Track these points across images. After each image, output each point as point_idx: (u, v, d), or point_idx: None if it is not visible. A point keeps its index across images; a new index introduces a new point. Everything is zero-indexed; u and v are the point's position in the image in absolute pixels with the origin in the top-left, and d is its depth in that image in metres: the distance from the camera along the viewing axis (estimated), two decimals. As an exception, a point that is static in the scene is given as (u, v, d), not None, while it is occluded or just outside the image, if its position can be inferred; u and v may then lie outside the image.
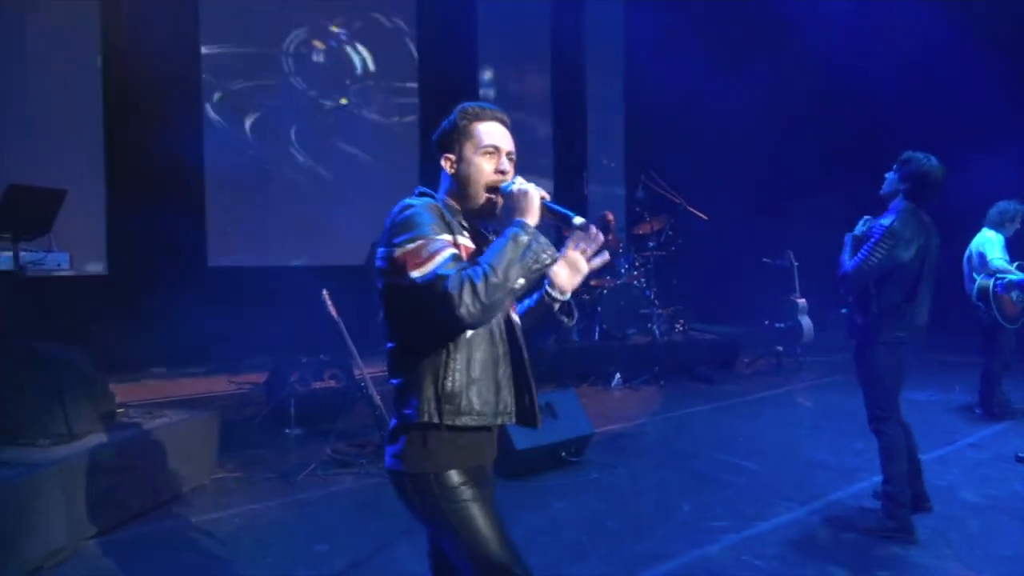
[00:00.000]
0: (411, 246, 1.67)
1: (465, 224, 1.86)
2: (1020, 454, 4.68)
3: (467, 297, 1.58)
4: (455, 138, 1.86)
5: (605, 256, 1.93)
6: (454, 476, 1.77)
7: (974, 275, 5.82)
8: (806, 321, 8.32)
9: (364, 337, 5.50)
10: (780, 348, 8.39)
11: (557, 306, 1.96)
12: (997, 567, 3.18)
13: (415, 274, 1.65)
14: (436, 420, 1.74)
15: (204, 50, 8.03)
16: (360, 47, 9.23)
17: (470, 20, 10.11)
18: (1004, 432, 5.40)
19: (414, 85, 9.71)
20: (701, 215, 8.33)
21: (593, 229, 1.85)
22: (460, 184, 1.86)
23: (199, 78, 8.00)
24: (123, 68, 7.35)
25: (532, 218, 1.74)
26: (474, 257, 1.75)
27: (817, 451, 5.05)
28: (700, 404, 6.62)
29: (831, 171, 9.59)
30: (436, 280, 1.61)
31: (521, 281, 1.65)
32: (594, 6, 11.65)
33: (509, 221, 1.74)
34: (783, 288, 8.53)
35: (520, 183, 1.80)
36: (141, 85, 7.34)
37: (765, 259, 8.55)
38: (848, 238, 3.64)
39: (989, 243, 5.76)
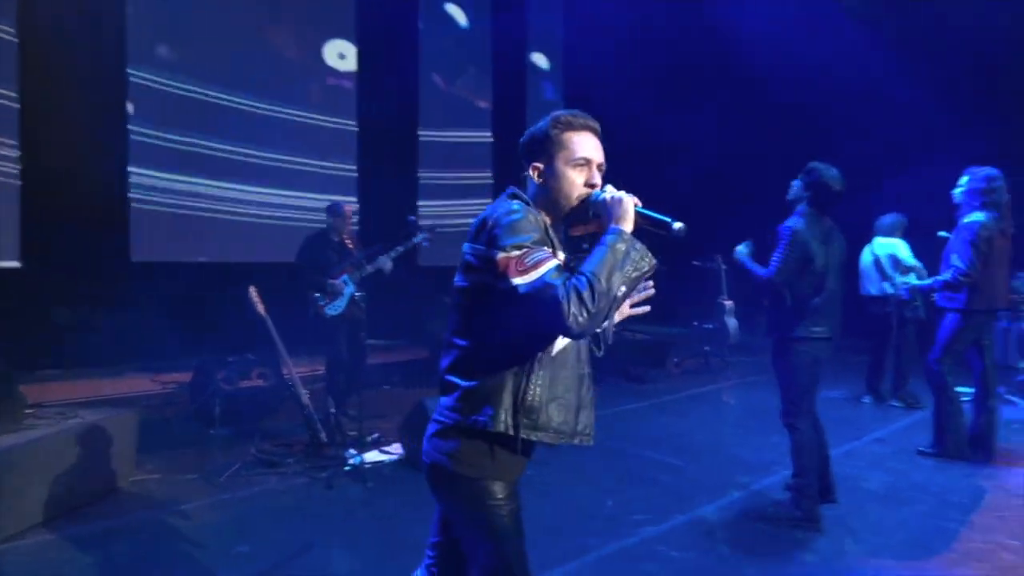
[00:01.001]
0: (516, 253, 1.64)
1: (557, 235, 1.84)
2: (920, 448, 4.98)
3: (574, 307, 1.56)
4: (545, 147, 1.82)
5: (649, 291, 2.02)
6: (500, 488, 1.78)
7: (893, 277, 6.34)
8: (732, 322, 8.63)
9: (292, 335, 5.45)
10: (708, 348, 8.67)
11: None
12: (893, 551, 3.39)
13: (519, 281, 1.62)
14: (511, 432, 1.74)
15: (129, 42, 7.75)
16: (296, 47, 9.07)
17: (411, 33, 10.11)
18: (908, 428, 5.73)
19: (350, 85, 9.61)
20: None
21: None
22: (548, 194, 1.82)
23: (124, 71, 7.70)
24: (40, 49, 7.01)
25: (628, 225, 1.72)
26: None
27: (738, 447, 5.25)
28: (632, 403, 6.78)
29: (759, 179, 9.94)
30: (544, 288, 1.59)
31: (623, 288, 1.64)
32: (535, 16, 11.77)
33: (602, 229, 1.73)
34: (712, 290, 8.82)
35: (611, 191, 1.78)
36: (60, 72, 7.02)
37: (695, 262, 8.81)
38: (744, 258, 3.90)
39: (892, 247, 6.38)
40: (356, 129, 9.60)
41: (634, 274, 1.66)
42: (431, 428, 1.86)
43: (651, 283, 2.02)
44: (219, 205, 8.41)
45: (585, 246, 1.84)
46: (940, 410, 4.89)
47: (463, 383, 1.78)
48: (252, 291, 4.95)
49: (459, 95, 10.93)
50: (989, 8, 8.51)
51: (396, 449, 4.94)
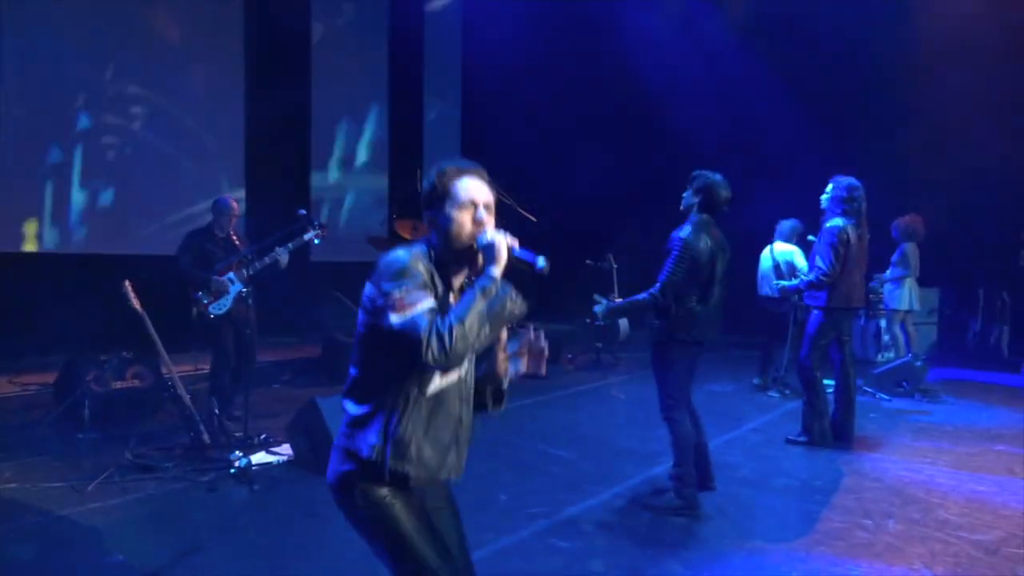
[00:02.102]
0: (397, 294, 1.79)
1: (452, 282, 1.97)
2: (789, 436, 5.37)
3: (434, 343, 1.70)
4: (435, 197, 1.97)
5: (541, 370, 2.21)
6: (399, 505, 1.88)
7: (788, 278, 6.69)
8: (623, 320, 8.94)
9: (174, 333, 5.16)
10: (599, 345, 8.94)
11: (491, 388, 2.11)
12: (763, 534, 3.64)
13: (394, 318, 1.77)
14: (381, 461, 1.85)
15: None
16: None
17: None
18: (781, 418, 6.16)
19: (239, 69, 9.19)
20: (531, 217, 8.66)
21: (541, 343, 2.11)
22: (443, 238, 1.95)
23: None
24: None
25: (498, 268, 1.86)
26: None
27: (626, 439, 5.46)
28: (524, 398, 6.88)
29: (650, 183, 10.36)
30: (411, 326, 1.74)
31: (487, 330, 1.78)
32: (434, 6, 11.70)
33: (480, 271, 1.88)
34: (603, 289, 9.08)
35: (490, 234, 1.91)
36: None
37: (588, 261, 9.04)
38: (612, 304, 4.11)
39: (795, 255, 6.97)
40: (244, 119, 9.18)
41: (505, 315, 1.82)
42: (334, 446, 1.98)
43: (544, 343, 2.17)
44: (89, 192, 7.83)
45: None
46: (808, 402, 5.29)
47: (350, 410, 1.93)
48: (127, 285, 4.66)
49: (352, 90, 10.70)
50: (854, 32, 9.32)
51: (285, 450, 4.79)
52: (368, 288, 1.89)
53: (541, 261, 1.89)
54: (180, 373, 4.85)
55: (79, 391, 4.99)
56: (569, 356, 8.99)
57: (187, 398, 4.68)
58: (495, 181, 2.00)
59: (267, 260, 5.29)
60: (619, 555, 3.37)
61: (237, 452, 4.42)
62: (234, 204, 5.59)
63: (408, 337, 1.74)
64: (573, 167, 10.99)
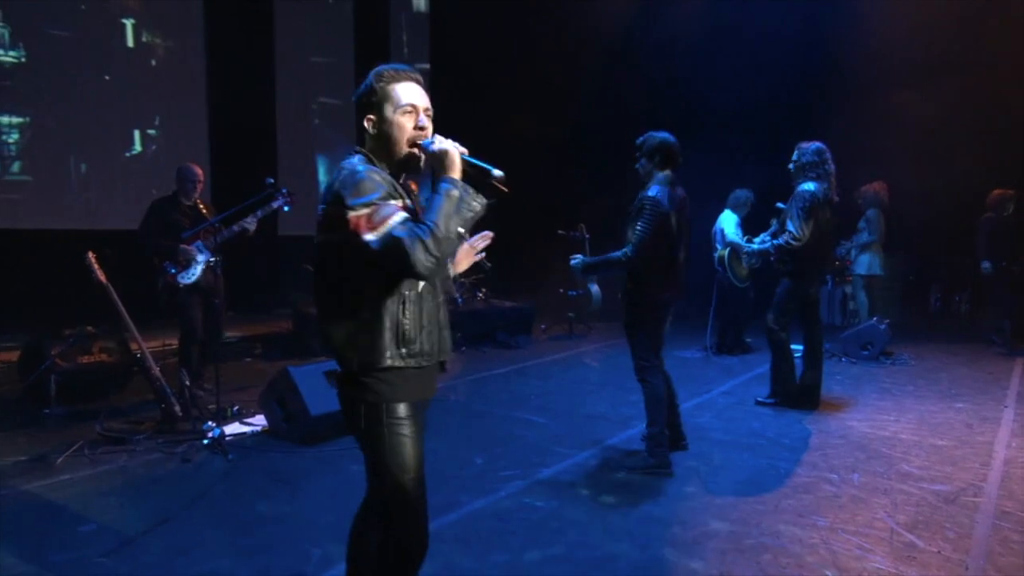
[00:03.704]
0: (365, 211, 1.80)
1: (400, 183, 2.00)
2: (758, 398, 5.48)
3: (421, 253, 1.76)
4: (374, 100, 1.98)
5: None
6: (401, 408, 1.96)
7: (717, 246, 7.25)
8: (595, 289, 9.00)
9: (141, 306, 5.07)
10: (572, 315, 9.00)
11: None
12: (734, 490, 3.72)
13: (370, 237, 1.79)
14: (398, 363, 1.93)
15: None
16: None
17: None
18: (749, 381, 6.28)
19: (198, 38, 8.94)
20: (503, 188, 8.63)
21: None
22: (383, 142, 1.98)
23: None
24: None
25: (456, 173, 1.90)
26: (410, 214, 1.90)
27: (598, 404, 5.53)
28: (498, 367, 6.93)
29: (619, 152, 10.37)
30: (391, 241, 1.77)
31: (461, 230, 1.88)
32: None
33: (435, 177, 1.91)
34: (576, 259, 9.12)
35: (439, 142, 1.94)
36: None
37: (560, 232, 9.06)
38: (588, 260, 4.14)
39: (727, 222, 7.30)
40: (206, 88, 8.95)
41: (468, 215, 1.90)
42: (336, 376, 2.05)
43: (488, 232, 2.38)
44: (48, 166, 7.60)
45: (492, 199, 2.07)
46: (776, 365, 5.39)
47: (342, 331, 1.95)
48: (90, 256, 4.56)
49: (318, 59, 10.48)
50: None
51: (259, 420, 4.76)
52: (324, 208, 1.89)
53: (495, 170, 1.94)
54: (149, 348, 4.78)
55: (44, 367, 4.89)
56: (543, 326, 9.04)
57: (156, 370, 4.61)
58: (464, 145, 2.00)
59: (235, 229, 5.20)
60: (593, 514, 3.42)
61: (210, 423, 4.39)
62: (198, 171, 5.47)
63: (392, 252, 1.77)
64: (542, 139, 10.95)
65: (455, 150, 1.92)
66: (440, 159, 1.91)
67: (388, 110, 1.96)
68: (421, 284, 1.98)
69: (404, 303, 1.94)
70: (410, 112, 1.97)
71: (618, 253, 3.91)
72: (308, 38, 10.25)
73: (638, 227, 3.83)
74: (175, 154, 8.36)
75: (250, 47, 9.28)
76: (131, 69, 8.23)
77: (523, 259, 10.98)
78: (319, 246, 1.94)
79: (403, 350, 1.94)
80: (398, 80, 1.98)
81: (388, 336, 1.92)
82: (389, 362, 1.93)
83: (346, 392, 2.00)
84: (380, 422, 1.94)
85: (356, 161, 1.95)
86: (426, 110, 2.00)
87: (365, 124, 2.00)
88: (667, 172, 3.94)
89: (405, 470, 1.96)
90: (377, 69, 2.01)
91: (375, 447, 1.97)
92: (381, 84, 1.97)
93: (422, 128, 1.98)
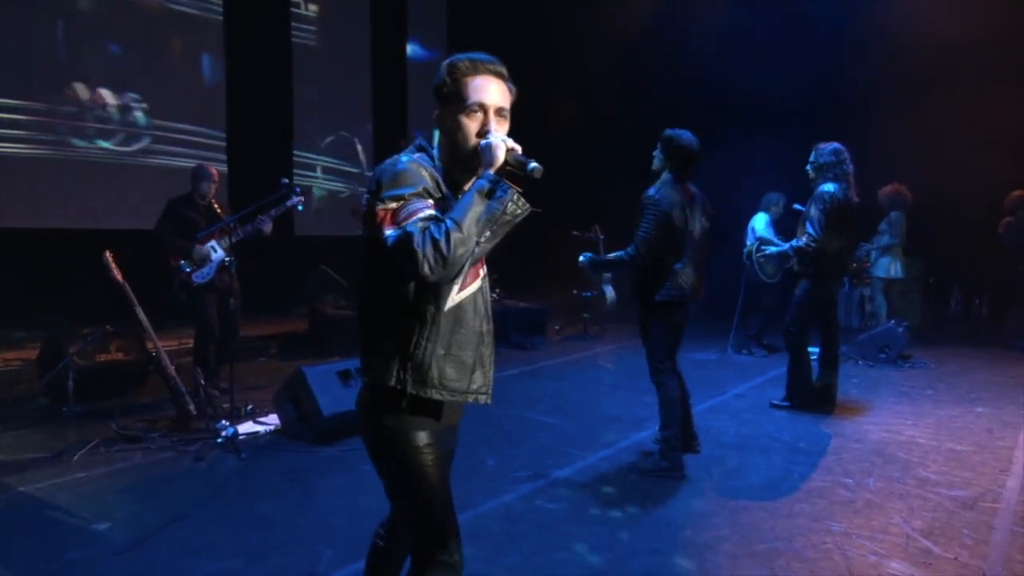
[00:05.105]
0: (393, 204, 1.64)
1: (451, 185, 1.79)
2: (773, 401, 5.43)
3: (429, 254, 1.55)
4: (444, 92, 1.78)
5: None
6: (422, 436, 1.77)
7: (747, 243, 7.31)
8: (610, 290, 8.97)
9: (158, 306, 5.12)
10: (587, 316, 8.97)
11: None
12: (747, 494, 3.68)
13: (389, 231, 1.62)
14: (402, 388, 1.73)
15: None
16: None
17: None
18: (764, 384, 6.22)
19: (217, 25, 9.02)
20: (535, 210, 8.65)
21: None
22: (445, 140, 1.79)
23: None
24: None
25: (496, 169, 1.69)
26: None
27: (612, 406, 5.50)
28: (512, 368, 6.91)
29: (634, 154, 10.33)
30: (404, 236, 1.58)
31: (487, 234, 1.64)
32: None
33: (477, 174, 1.72)
34: (591, 260, 9.09)
35: (492, 137, 1.73)
36: None
37: (575, 232, 9.03)
38: (596, 259, 4.14)
39: (759, 220, 7.37)
40: (225, 88, 9.03)
41: (503, 218, 1.65)
42: (362, 380, 1.90)
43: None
44: (71, 167, 7.70)
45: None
46: (793, 368, 5.33)
47: (365, 336, 1.81)
48: (108, 255, 4.60)
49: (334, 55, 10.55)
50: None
51: (272, 419, 4.79)
52: (366, 199, 1.73)
53: (532, 163, 1.71)
54: (165, 347, 4.81)
55: (62, 365, 4.95)
56: (557, 327, 9.02)
57: (172, 369, 4.65)
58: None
59: (250, 228, 5.23)
60: (604, 516, 3.40)
61: (224, 422, 4.42)
62: (213, 171, 5.51)
63: (401, 249, 1.58)
64: (561, 141, 10.93)
65: (501, 144, 1.71)
66: (483, 154, 1.71)
67: (454, 107, 1.75)
68: (454, 301, 1.76)
69: (426, 320, 1.73)
70: (476, 112, 1.75)
71: (622, 252, 3.91)
72: (328, 34, 10.31)
73: (640, 227, 3.84)
74: (192, 154, 8.45)
75: (268, 42, 9.36)
76: (149, 67, 8.32)
77: (538, 260, 10.99)
78: (364, 240, 1.77)
79: (411, 375, 1.73)
80: (472, 74, 1.75)
81: (396, 354, 1.73)
82: (392, 382, 1.73)
83: (362, 401, 1.84)
84: (397, 447, 1.77)
85: (409, 155, 1.77)
86: (499, 110, 1.77)
87: (435, 118, 1.82)
88: (675, 173, 3.91)
89: (428, 501, 1.78)
90: (451, 59, 1.79)
91: (392, 476, 1.81)
92: (453, 78, 1.76)
93: (487, 134, 1.75)
